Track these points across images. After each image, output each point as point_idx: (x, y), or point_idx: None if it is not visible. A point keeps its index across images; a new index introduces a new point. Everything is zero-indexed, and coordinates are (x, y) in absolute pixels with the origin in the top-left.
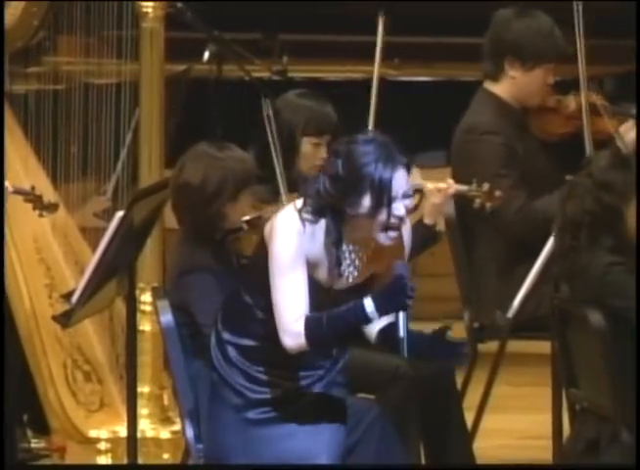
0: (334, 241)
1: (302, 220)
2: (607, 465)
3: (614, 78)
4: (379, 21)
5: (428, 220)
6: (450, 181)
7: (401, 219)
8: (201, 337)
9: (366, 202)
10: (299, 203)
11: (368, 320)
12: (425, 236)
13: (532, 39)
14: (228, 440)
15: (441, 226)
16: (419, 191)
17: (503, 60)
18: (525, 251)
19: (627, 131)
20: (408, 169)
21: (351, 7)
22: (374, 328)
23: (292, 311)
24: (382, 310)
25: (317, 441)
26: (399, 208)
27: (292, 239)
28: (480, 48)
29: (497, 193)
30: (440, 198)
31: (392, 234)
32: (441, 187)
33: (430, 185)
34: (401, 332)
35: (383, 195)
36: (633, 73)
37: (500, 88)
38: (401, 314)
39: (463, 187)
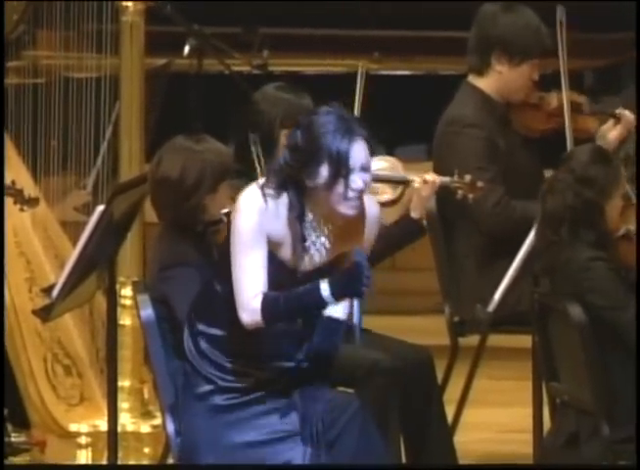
0: (297, 215)
1: (265, 196)
2: (607, 465)
3: (593, 72)
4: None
5: (414, 214)
6: (434, 174)
7: (360, 192)
8: (180, 332)
9: (324, 172)
10: (262, 180)
11: (324, 304)
12: (411, 230)
13: (520, 34)
14: (197, 426)
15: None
16: (402, 183)
17: (490, 54)
18: (505, 245)
19: (608, 131)
20: (369, 144)
21: (331, 1)
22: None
23: (250, 288)
24: (337, 296)
25: (287, 421)
26: (356, 180)
27: (253, 216)
28: (461, 42)
29: (479, 184)
30: (428, 191)
31: (352, 204)
32: (428, 179)
33: (417, 179)
34: (355, 319)
35: (340, 165)
36: (613, 67)
37: (485, 83)
38: (355, 302)
39: (445, 178)
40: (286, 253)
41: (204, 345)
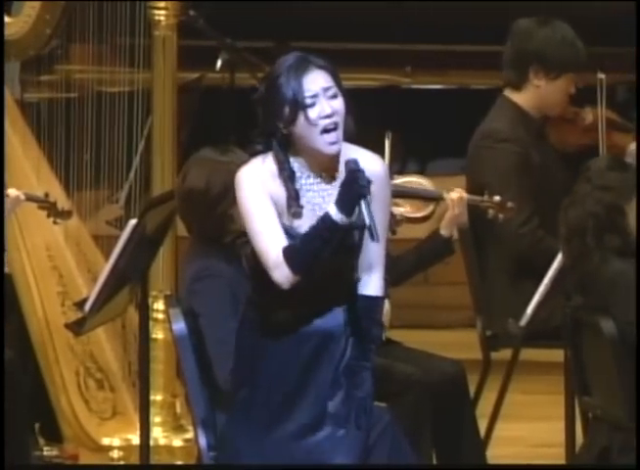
0: (284, 169)
1: (259, 162)
2: (607, 465)
3: (625, 86)
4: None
5: (444, 232)
6: (460, 190)
7: (329, 117)
8: (206, 346)
9: (286, 111)
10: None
11: (337, 225)
12: (441, 247)
13: (557, 48)
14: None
15: (455, 235)
16: (434, 200)
17: (528, 69)
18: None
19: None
20: (329, 71)
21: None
22: None
23: (272, 247)
24: (344, 208)
25: (332, 440)
26: (324, 108)
27: (252, 181)
28: (492, 56)
29: (509, 204)
30: (459, 209)
31: (329, 139)
32: (458, 196)
33: (453, 195)
34: (367, 220)
35: (296, 98)
36: None
37: (522, 97)
38: (362, 203)
39: (476, 198)
40: (286, 217)
41: None
